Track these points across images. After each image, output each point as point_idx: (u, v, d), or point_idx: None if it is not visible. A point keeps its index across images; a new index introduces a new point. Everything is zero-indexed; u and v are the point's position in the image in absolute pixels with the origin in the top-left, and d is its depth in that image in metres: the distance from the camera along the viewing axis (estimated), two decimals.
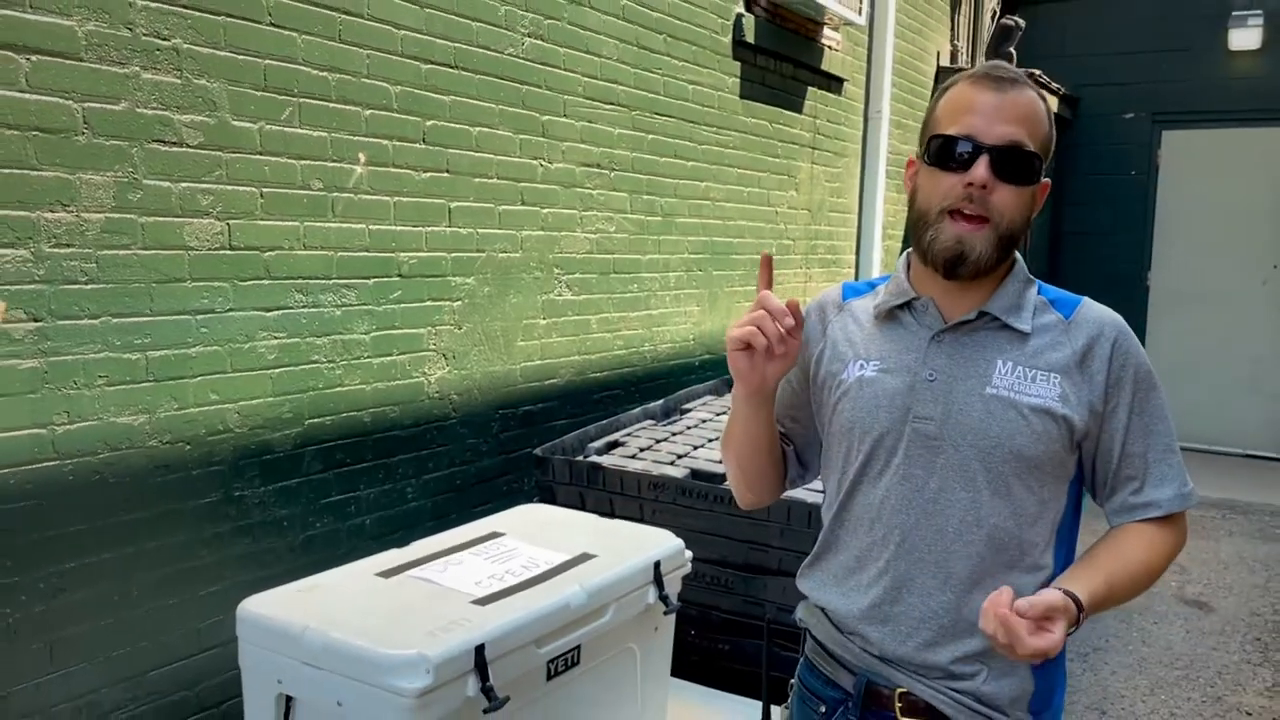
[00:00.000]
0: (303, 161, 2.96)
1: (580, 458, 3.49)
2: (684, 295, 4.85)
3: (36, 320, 2.38)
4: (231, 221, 2.79)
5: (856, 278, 6.69)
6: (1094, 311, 1.56)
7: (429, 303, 3.44)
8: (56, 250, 2.40)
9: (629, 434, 3.79)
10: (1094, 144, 8.72)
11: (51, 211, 2.39)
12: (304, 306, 3.01)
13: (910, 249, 1.60)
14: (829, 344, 1.65)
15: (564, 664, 2.29)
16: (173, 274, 2.65)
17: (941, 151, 1.49)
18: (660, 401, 4.23)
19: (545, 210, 3.92)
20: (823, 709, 1.65)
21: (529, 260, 3.86)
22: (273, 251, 2.90)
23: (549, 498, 3.42)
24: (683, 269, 4.82)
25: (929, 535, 1.53)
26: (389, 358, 3.28)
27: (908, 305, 1.59)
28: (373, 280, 3.23)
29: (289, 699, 2.11)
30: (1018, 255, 1.56)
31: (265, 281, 2.89)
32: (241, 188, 2.80)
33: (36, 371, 2.38)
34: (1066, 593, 1.38)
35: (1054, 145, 1.54)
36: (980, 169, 1.44)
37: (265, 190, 2.86)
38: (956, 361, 1.52)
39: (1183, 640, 4.71)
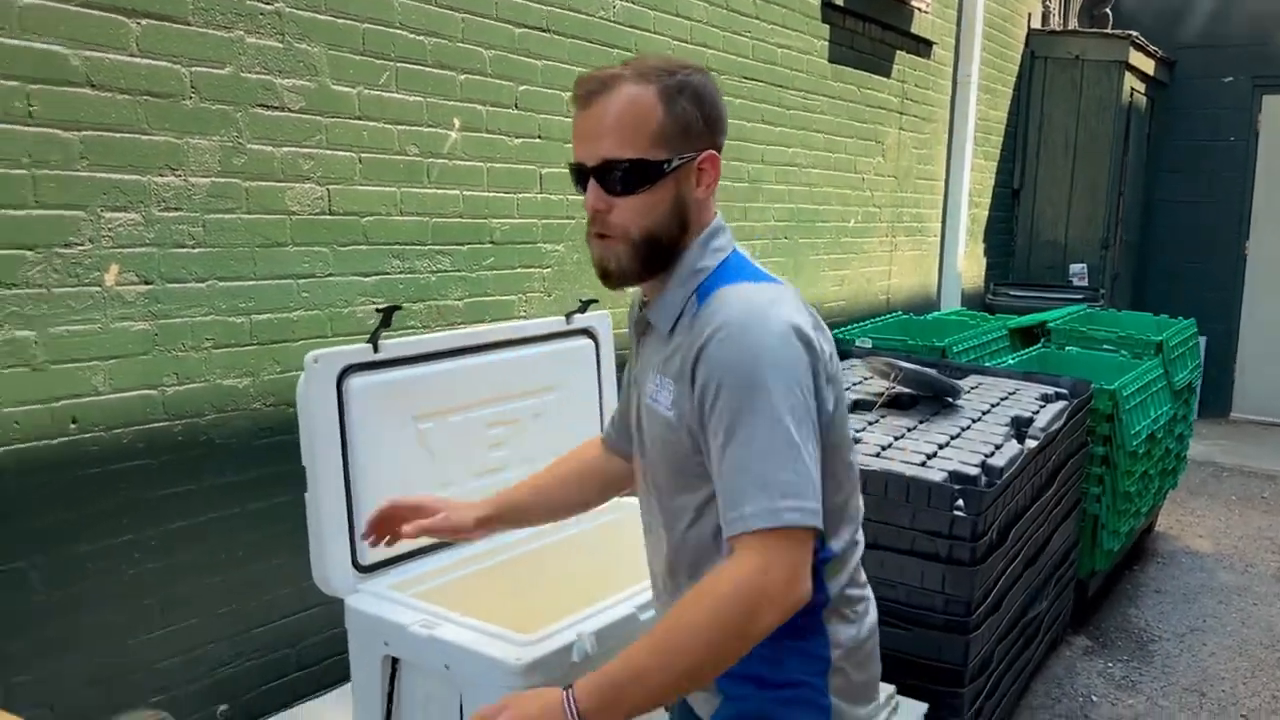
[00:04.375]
0: (399, 126, 2.96)
1: None
2: (769, 265, 4.77)
3: (147, 283, 2.41)
4: (331, 186, 2.80)
5: (942, 248, 6.56)
6: (705, 314, 1.39)
7: (519, 270, 3.44)
8: (165, 214, 2.43)
9: None
10: (1190, 109, 8.40)
11: (161, 176, 2.42)
12: (400, 272, 3.02)
13: None
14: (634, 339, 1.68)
15: None
16: (275, 238, 2.67)
17: (574, 179, 1.49)
18: None
19: None
20: None
21: None
22: (371, 217, 2.91)
23: None
24: (768, 237, 4.76)
25: (650, 546, 1.61)
26: (481, 325, 3.29)
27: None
28: (466, 246, 3.22)
29: (395, 661, 2.13)
30: (694, 248, 1.46)
31: (363, 246, 2.90)
32: (341, 153, 2.81)
33: (147, 334, 2.42)
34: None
35: (689, 121, 1.42)
36: (591, 195, 1.43)
37: (363, 155, 2.87)
38: (640, 364, 1.56)
39: None
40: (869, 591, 1.55)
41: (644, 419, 1.51)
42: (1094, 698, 3.83)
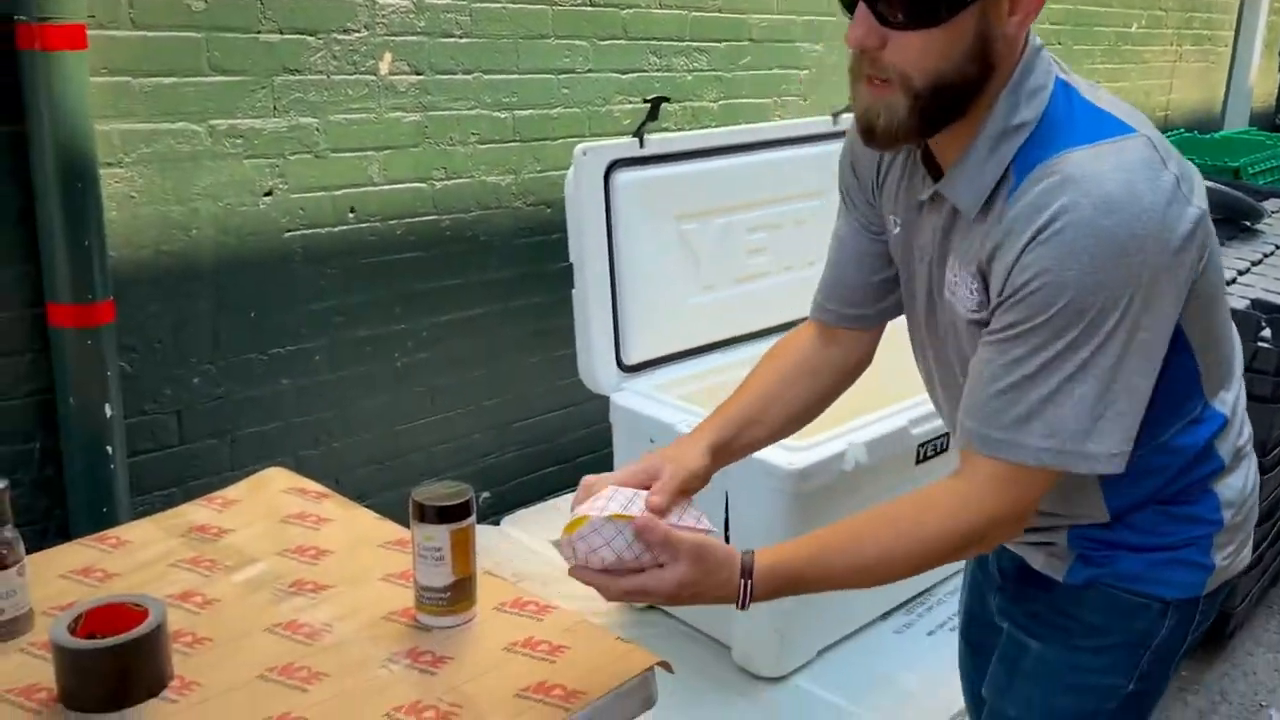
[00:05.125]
0: None
1: None
2: None
3: (418, 73, 2.40)
4: None
5: (1233, 60, 5.84)
6: (1034, 193, 1.01)
7: (776, 71, 3.25)
8: (435, 1, 2.39)
9: None
10: None
11: None
12: (657, 70, 2.90)
13: None
14: (878, 179, 1.28)
15: (933, 449, 2.18)
16: (538, 30, 2.60)
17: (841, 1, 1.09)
18: None
19: None
20: None
21: None
22: (630, 9, 2.79)
23: None
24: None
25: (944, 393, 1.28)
26: (767, 124, 3.14)
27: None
28: (724, 44, 3.06)
29: None
30: (1005, 97, 1.07)
31: (622, 41, 2.79)
32: None
33: (418, 126, 2.43)
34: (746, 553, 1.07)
35: None
36: (859, 25, 1.03)
37: None
38: (935, 241, 1.17)
39: None
40: (1251, 440, 1.31)
41: (938, 309, 1.20)
42: None
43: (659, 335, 2.29)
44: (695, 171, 2.31)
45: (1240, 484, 1.26)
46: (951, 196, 1.10)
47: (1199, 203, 1.02)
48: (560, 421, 2.88)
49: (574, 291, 2.19)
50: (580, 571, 1.06)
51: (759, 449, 1.38)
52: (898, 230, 1.23)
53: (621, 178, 2.17)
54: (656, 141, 2.24)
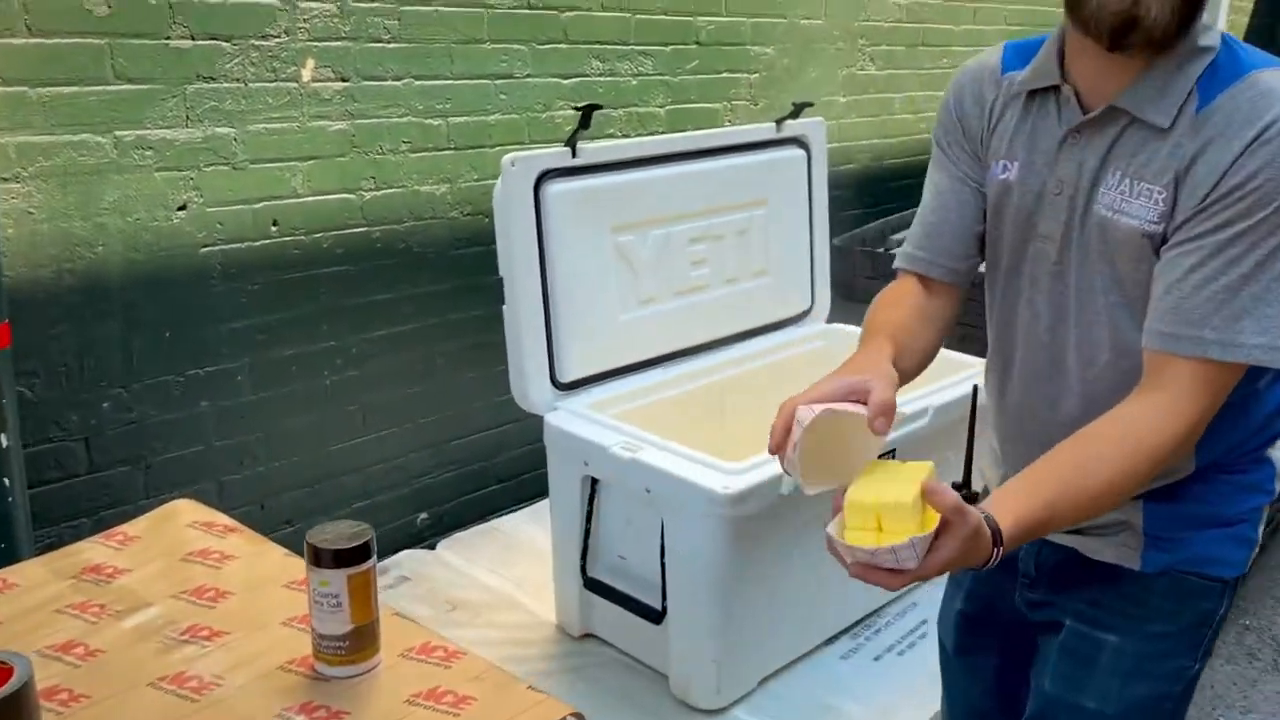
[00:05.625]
0: None
1: (881, 249, 3.21)
2: None
3: (343, 80, 2.30)
4: None
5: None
6: (1238, 101, 1.08)
7: (725, 74, 3.17)
8: (361, 4, 2.29)
9: None
10: None
11: None
12: (600, 74, 2.82)
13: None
14: (989, 126, 1.31)
15: None
16: (472, 34, 2.51)
17: None
18: None
19: None
20: None
21: (832, 28, 3.49)
22: (571, 12, 2.70)
23: (846, 292, 3.18)
24: (999, 41, 4.27)
25: (1044, 372, 1.29)
26: (707, 131, 3.06)
27: (1053, 90, 1.23)
28: (670, 47, 2.98)
29: (594, 481, 2.05)
30: (1202, 15, 1.11)
31: (563, 45, 2.71)
32: None
33: (345, 134, 2.33)
34: (987, 518, 1.03)
35: None
36: None
37: None
38: (1083, 170, 1.19)
39: None
40: None
41: (1079, 238, 1.21)
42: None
43: (595, 351, 2.21)
44: (631, 181, 2.22)
45: None
46: (1136, 109, 1.13)
47: None
48: (501, 438, 2.79)
49: (504, 307, 2.10)
50: (864, 571, 0.99)
51: (904, 383, 1.28)
52: (1011, 174, 1.25)
53: (553, 188, 2.09)
54: (590, 150, 2.15)
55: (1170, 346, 1.10)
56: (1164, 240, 1.13)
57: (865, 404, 1.06)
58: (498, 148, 2.61)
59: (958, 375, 2.28)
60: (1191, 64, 1.11)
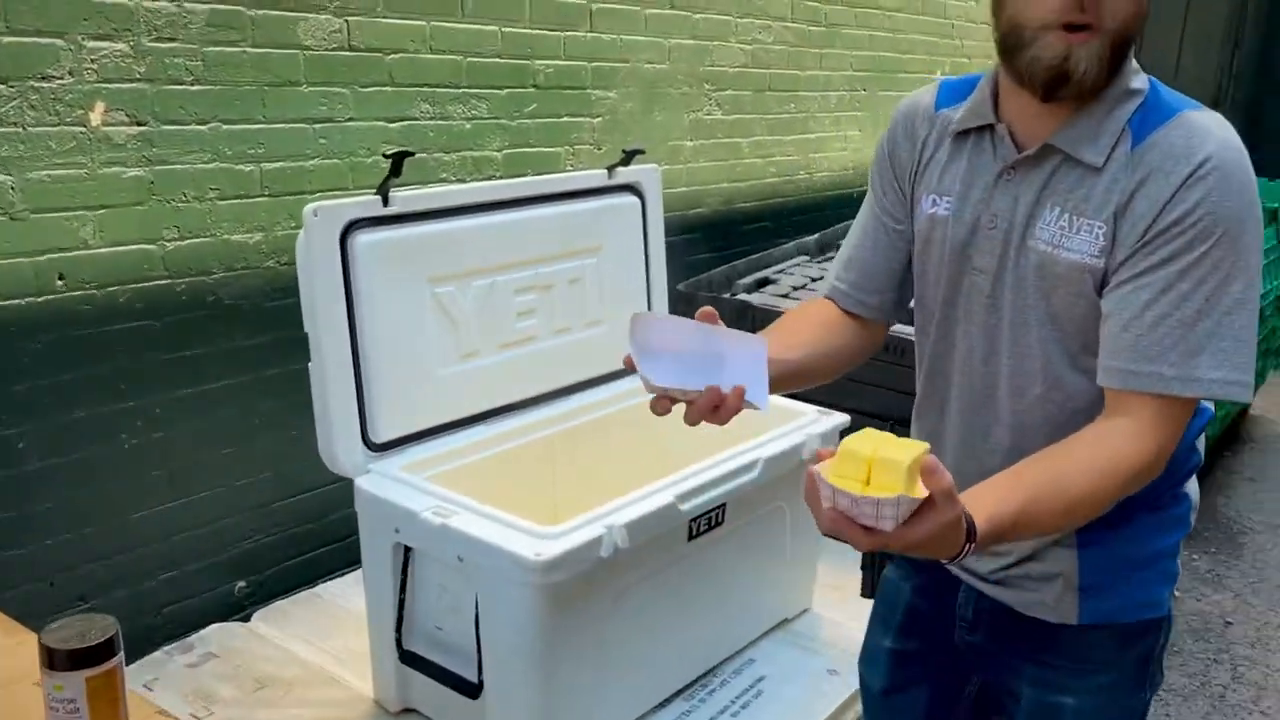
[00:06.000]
0: None
1: (728, 295, 3.18)
2: (845, 118, 4.39)
3: (139, 124, 2.16)
4: (350, 18, 2.49)
5: None
6: (1171, 139, 1.14)
7: (566, 119, 3.12)
8: (158, 45, 2.16)
9: (780, 271, 3.46)
10: None
11: (151, 0, 2.14)
12: (431, 118, 2.73)
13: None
14: (920, 161, 1.36)
15: (707, 523, 2.04)
16: (287, 76, 2.39)
17: None
18: (815, 236, 3.86)
19: (697, 16, 3.50)
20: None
21: (676, 73, 3.47)
22: (397, 54, 2.61)
23: None
24: (845, 88, 4.34)
25: (978, 402, 1.31)
26: (535, 178, 3.00)
27: (987, 129, 1.28)
28: (506, 90, 2.91)
29: (408, 549, 1.93)
30: (1130, 60, 1.20)
31: (388, 88, 2.61)
32: None
33: (142, 181, 2.18)
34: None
35: None
36: None
37: None
38: (1019, 204, 1.23)
39: None
40: None
41: (1012, 271, 1.24)
42: (1177, 592, 3.56)
43: (412, 409, 2.10)
44: (450, 230, 2.13)
45: (1196, 487, 1.35)
46: (1070, 149, 1.18)
47: None
48: (328, 498, 2.65)
49: (310, 365, 1.98)
50: (837, 520, 0.98)
51: (804, 384, 1.38)
52: (940, 209, 1.30)
53: (362, 239, 1.98)
54: (404, 199, 2.05)
55: (1132, 384, 1.13)
56: (1105, 275, 1.17)
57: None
58: (318, 194, 2.49)
59: (789, 424, 2.25)
60: (1122, 106, 1.18)
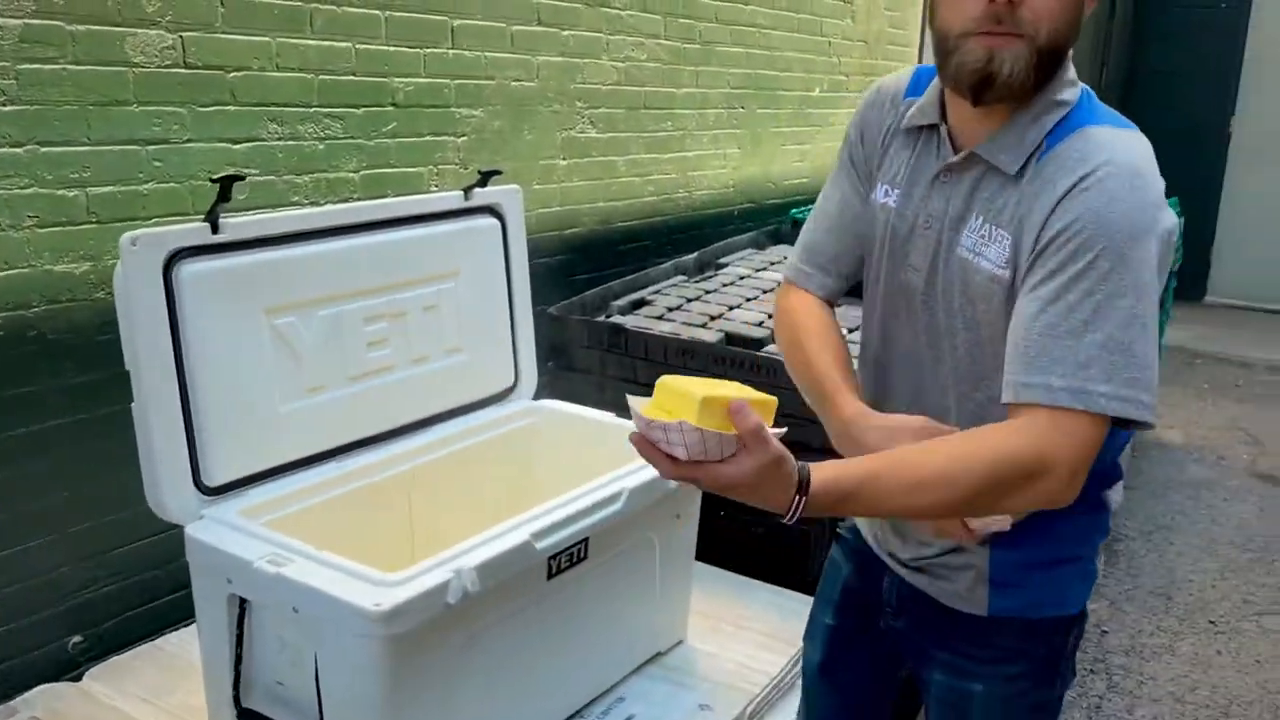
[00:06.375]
0: None
1: (601, 317, 3.11)
2: (723, 136, 4.36)
3: None
4: (185, 34, 2.35)
5: None
6: (1066, 154, 1.18)
7: (429, 138, 3.01)
8: None
9: (657, 291, 3.40)
10: None
11: None
12: (280, 139, 2.60)
13: None
14: (882, 147, 1.39)
15: (568, 560, 1.96)
16: (114, 95, 2.24)
17: None
18: (693, 255, 3.82)
19: (565, 32, 3.43)
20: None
21: (546, 91, 3.39)
22: (239, 72, 2.47)
23: (564, 363, 3.05)
24: (723, 105, 4.32)
25: (913, 397, 1.35)
26: (383, 200, 2.88)
27: (934, 128, 1.33)
28: (362, 110, 2.79)
29: (243, 601, 1.80)
30: (1064, 72, 1.24)
31: (231, 107, 2.47)
32: None
33: None
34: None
35: None
36: None
37: None
38: (950, 208, 1.28)
39: (1257, 519, 4.35)
40: None
41: (941, 273, 1.27)
42: None
43: (250, 449, 1.97)
44: (289, 258, 2.01)
45: (1119, 494, 1.39)
46: (991, 158, 1.21)
47: (1168, 208, 1.16)
48: (175, 542, 2.46)
49: (133, 405, 1.84)
50: (642, 445, 1.04)
51: None
52: (891, 200, 1.32)
53: (189, 269, 1.85)
54: (237, 225, 1.93)
55: (1023, 396, 1.13)
56: (1010, 286, 1.19)
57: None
58: (155, 219, 2.35)
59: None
60: (1046, 116, 1.20)
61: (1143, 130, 1.24)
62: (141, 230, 1.79)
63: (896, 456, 1.14)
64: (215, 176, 1.83)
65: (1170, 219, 1.15)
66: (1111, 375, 1.10)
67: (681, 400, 1.01)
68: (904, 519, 1.35)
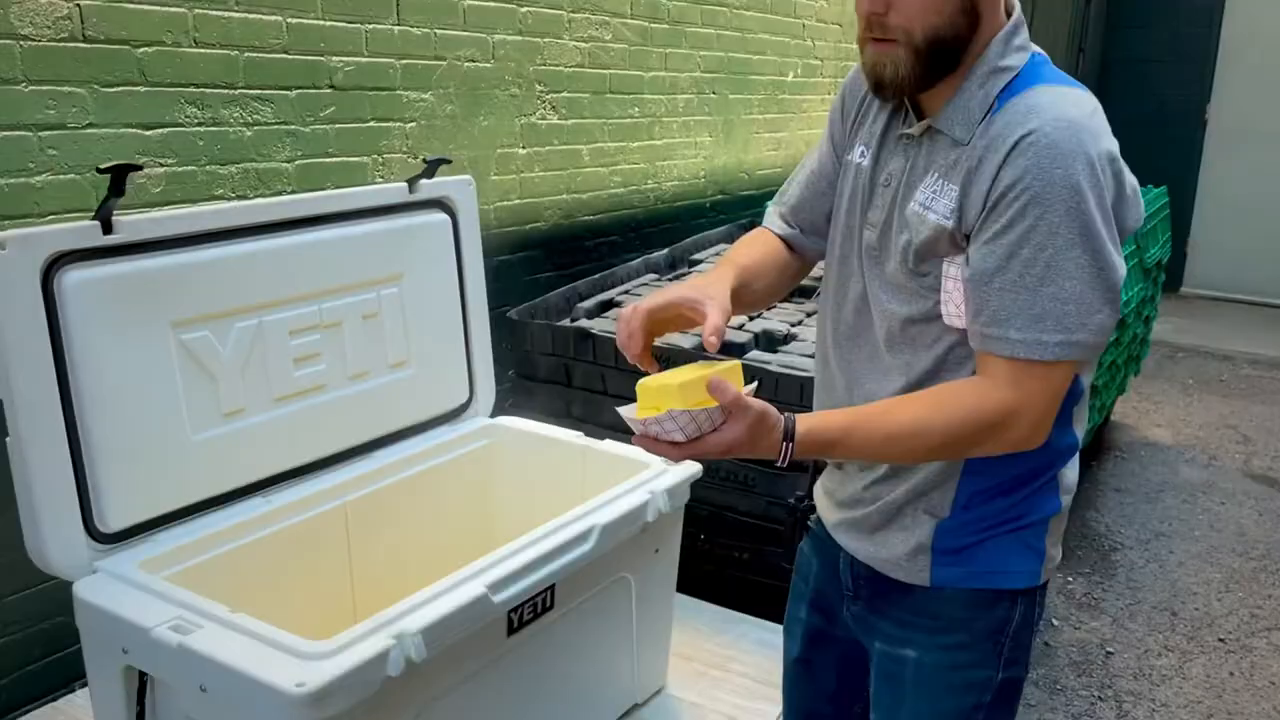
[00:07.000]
0: None
1: (566, 322, 2.83)
2: (694, 123, 4.09)
3: None
4: (83, 2, 2.04)
5: None
6: (1012, 114, 1.22)
7: (373, 124, 2.72)
8: None
9: (626, 291, 3.12)
10: None
11: None
12: (200, 124, 2.29)
13: None
14: (860, 111, 1.43)
15: (531, 611, 1.68)
16: None
17: None
18: (664, 250, 3.55)
19: (524, 9, 3.14)
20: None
21: (503, 73, 3.10)
22: (149, 47, 2.16)
23: (527, 371, 2.77)
24: (693, 90, 4.04)
25: (849, 358, 1.41)
26: (312, 194, 2.58)
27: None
28: (295, 91, 2.49)
29: (142, 675, 1.51)
30: (995, 44, 1.27)
31: (141, 88, 2.16)
32: None
33: None
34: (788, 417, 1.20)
35: None
36: None
37: None
38: (909, 168, 1.33)
39: (1255, 524, 4.15)
40: None
41: (894, 227, 1.32)
42: (1054, 620, 3.37)
43: (155, 487, 1.67)
44: (198, 261, 1.71)
45: (1074, 472, 1.39)
46: (946, 129, 1.27)
47: (1120, 164, 1.23)
48: None
49: (9, 440, 1.54)
50: (646, 442, 1.17)
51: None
52: (863, 159, 1.38)
53: (73, 276, 1.55)
54: (132, 224, 1.63)
55: (988, 346, 1.21)
56: (952, 236, 1.24)
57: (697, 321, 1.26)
58: (52, 216, 2.04)
59: (631, 480, 1.90)
60: (991, 82, 1.25)
61: (1119, 118, 1.29)
62: (13, 230, 1.49)
63: (875, 410, 1.26)
64: (103, 166, 1.53)
65: (1112, 145, 1.21)
66: (1064, 325, 1.18)
67: (663, 393, 1.13)
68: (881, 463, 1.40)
